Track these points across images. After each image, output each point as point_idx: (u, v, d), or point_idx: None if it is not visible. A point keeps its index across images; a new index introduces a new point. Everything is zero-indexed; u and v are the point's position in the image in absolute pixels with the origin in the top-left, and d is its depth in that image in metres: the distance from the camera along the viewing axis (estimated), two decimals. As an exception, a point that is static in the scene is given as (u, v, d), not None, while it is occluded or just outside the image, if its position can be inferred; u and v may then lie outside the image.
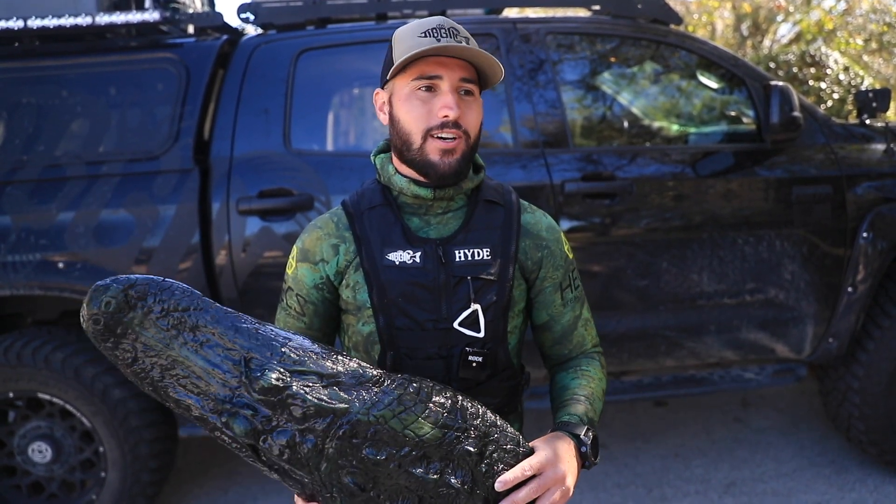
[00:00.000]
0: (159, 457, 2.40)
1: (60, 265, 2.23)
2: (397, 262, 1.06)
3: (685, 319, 2.44)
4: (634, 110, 2.93)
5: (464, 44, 1.02)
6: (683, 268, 2.39)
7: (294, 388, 0.84)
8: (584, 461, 1.02)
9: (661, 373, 2.58)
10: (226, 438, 0.86)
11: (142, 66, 2.41)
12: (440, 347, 1.06)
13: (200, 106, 2.35)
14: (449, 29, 1.03)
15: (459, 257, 1.06)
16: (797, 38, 9.41)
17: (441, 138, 1.04)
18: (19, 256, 2.23)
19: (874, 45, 8.35)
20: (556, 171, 2.35)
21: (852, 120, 3.08)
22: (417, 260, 1.06)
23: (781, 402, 3.28)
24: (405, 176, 1.09)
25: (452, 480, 0.89)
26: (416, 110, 1.04)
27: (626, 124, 2.84)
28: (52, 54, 2.42)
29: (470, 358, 1.05)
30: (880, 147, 2.56)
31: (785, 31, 10.14)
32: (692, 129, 2.81)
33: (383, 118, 1.11)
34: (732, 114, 2.73)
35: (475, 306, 1.06)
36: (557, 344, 1.19)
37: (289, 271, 1.15)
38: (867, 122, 2.64)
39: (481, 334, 1.06)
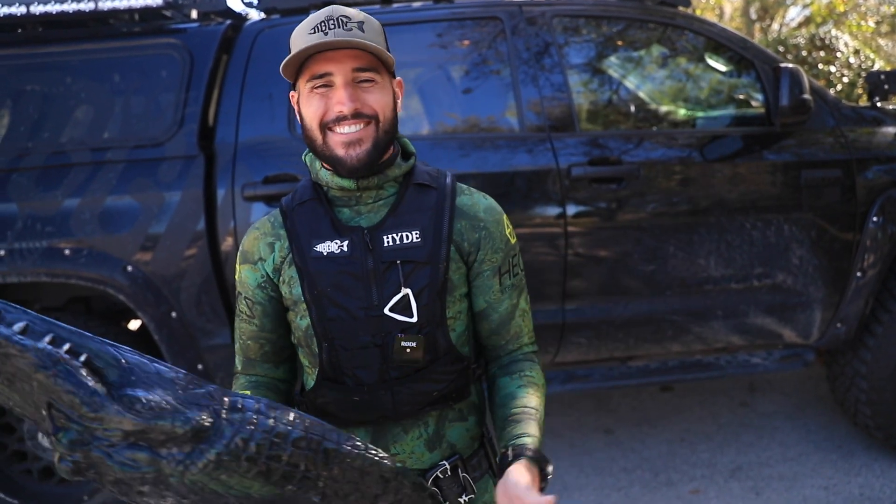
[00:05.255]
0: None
1: (66, 252, 2.24)
2: (325, 253, 1.05)
3: (692, 304, 2.42)
4: (641, 94, 2.90)
5: (354, 31, 0.99)
6: (691, 252, 2.37)
7: (94, 454, 0.73)
8: (542, 484, 0.98)
9: (668, 357, 2.58)
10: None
11: (145, 52, 2.40)
12: (374, 335, 1.04)
13: (204, 92, 2.34)
14: (338, 18, 1.00)
15: (388, 242, 1.04)
16: (807, 21, 9.29)
17: (340, 132, 1.02)
18: (25, 243, 2.24)
19: (886, 28, 8.24)
20: (563, 155, 2.33)
21: (863, 103, 3.04)
22: (345, 248, 1.04)
23: (788, 387, 3.27)
24: (328, 170, 1.08)
25: None
26: (314, 108, 1.03)
27: (633, 108, 2.82)
28: (55, 41, 2.41)
29: (403, 343, 1.03)
30: (892, 130, 2.52)
31: (794, 14, 10.02)
32: (700, 113, 2.78)
33: (299, 118, 1.10)
34: (741, 97, 2.70)
35: (405, 290, 1.03)
36: (494, 334, 1.15)
37: (236, 276, 1.15)
38: (878, 104, 2.61)
39: (414, 319, 1.04)
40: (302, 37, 1.01)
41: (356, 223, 1.07)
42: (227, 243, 2.27)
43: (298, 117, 1.09)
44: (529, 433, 1.01)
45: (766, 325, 2.48)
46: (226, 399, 0.79)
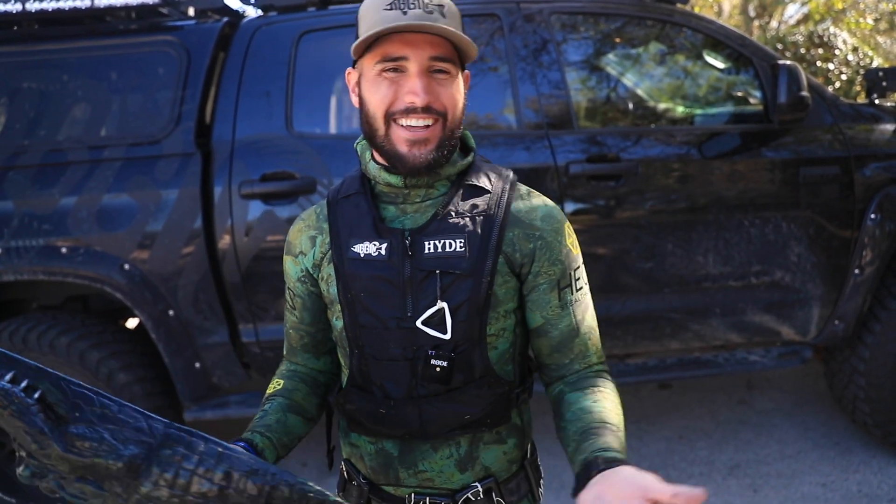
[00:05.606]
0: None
1: (63, 250, 2.23)
2: (362, 255, 0.97)
3: (690, 302, 2.42)
4: (640, 91, 2.89)
5: (435, 14, 0.90)
6: (689, 250, 2.37)
7: (51, 485, 0.82)
8: None
9: (666, 355, 2.58)
10: None
11: (142, 50, 2.39)
12: (405, 348, 0.97)
13: (201, 89, 2.34)
14: None
15: (429, 248, 0.95)
16: (805, 18, 9.29)
17: (408, 126, 0.93)
18: (23, 241, 2.23)
19: (884, 25, 8.24)
20: (561, 152, 2.33)
21: (861, 100, 3.04)
22: (383, 252, 0.96)
23: (786, 385, 3.28)
24: (378, 163, 0.99)
25: None
26: (381, 93, 0.93)
27: (631, 105, 2.81)
28: (51, 38, 2.40)
29: (433, 362, 0.95)
30: (890, 127, 2.52)
31: (793, 11, 10.03)
32: (698, 110, 2.78)
33: (354, 100, 0.99)
34: (739, 94, 2.70)
35: (441, 304, 0.94)
36: (556, 352, 1.03)
37: (284, 265, 1.12)
38: (876, 101, 2.61)
39: (447, 336, 0.95)
40: (376, 11, 0.91)
41: (400, 223, 0.98)
42: (224, 241, 2.27)
43: (356, 100, 0.99)
44: (614, 447, 0.86)
45: (765, 323, 2.48)
46: (162, 434, 0.81)
